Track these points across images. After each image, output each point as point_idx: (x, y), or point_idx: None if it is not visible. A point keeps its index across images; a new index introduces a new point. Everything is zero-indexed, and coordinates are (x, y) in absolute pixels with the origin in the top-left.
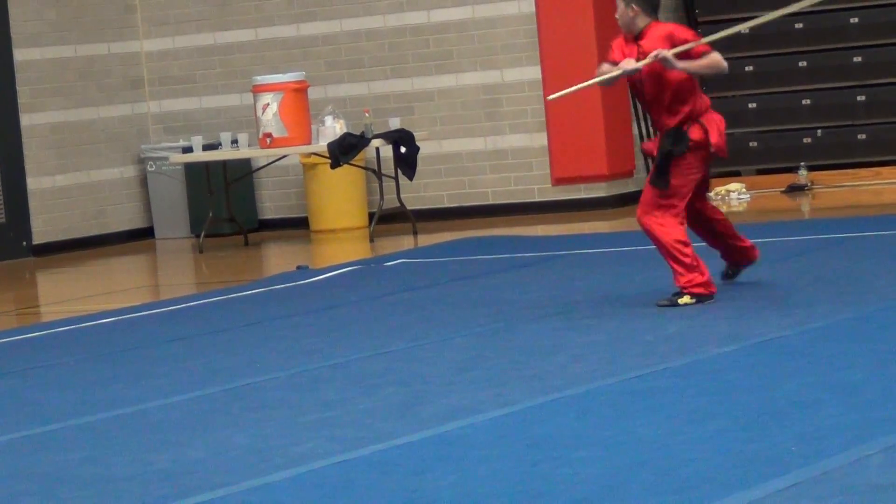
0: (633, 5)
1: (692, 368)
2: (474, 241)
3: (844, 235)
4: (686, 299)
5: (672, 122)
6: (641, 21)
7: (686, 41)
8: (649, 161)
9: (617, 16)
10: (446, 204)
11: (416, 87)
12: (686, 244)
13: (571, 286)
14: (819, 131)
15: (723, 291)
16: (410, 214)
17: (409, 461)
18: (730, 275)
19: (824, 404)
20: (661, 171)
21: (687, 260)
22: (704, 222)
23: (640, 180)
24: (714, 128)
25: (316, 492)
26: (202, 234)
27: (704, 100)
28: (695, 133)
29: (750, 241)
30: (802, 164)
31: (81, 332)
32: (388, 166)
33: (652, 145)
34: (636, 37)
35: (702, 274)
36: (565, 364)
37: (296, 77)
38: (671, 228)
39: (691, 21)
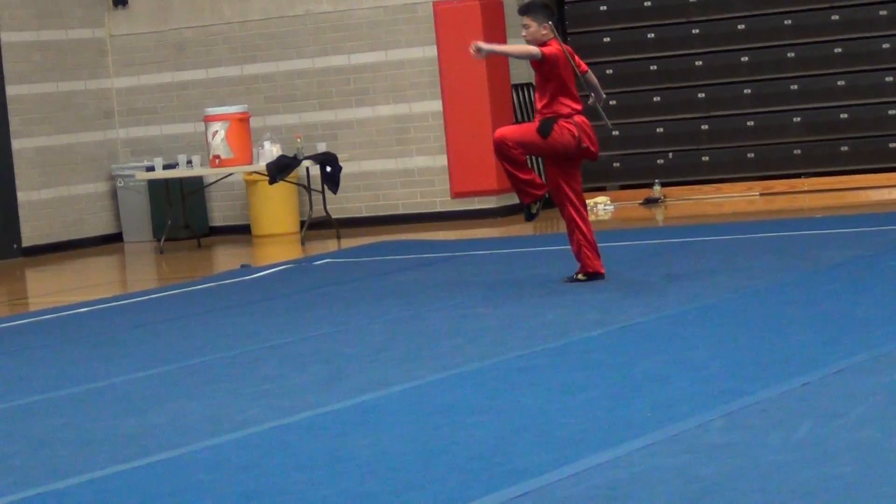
0: (547, 23)
1: (566, 349)
2: (387, 245)
3: (691, 239)
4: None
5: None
6: (546, 37)
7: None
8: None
9: (528, 34)
10: (364, 214)
11: (339, 117)
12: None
13: (467, 281)
14: (670, 154)
15: (591, 286)
16: (334, 222)
17: (333, 425)
18: (572, 279)
19: (674, 378)
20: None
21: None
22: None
23: None
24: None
25: (257, 451)
26: (162, 239)
27: (570, 107)
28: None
29: (599, 263)
30: (657, 180)
31: (62, 319)
32: (316, 182)
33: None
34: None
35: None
36: (462, 345)
37: (239, 109)
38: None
39: (562, 32)
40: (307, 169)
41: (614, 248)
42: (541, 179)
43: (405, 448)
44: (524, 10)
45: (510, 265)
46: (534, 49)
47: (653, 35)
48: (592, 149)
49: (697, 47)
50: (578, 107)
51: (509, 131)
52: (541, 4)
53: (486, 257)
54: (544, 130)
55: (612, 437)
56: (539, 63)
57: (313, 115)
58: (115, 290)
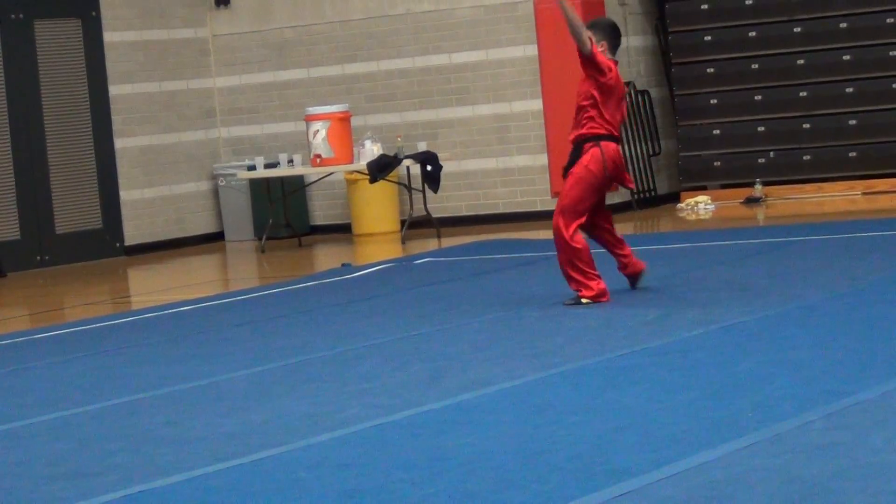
0: (603, 42)
1: (667, 348)
2: (488, 243)
3: (792, 239)
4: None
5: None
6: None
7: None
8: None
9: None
10: (464, 213)
11: (439, 116)
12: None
13: None
14: (771, 153)
15: (691, 284)
16: (435, 221)
17: (433, 424)
18: (632, 285)
19: (776, 378)
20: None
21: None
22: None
23: (624, 193)
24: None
25: (357, 449)
26: (264, 237)
27: (604, 128)
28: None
29: (628, 251)
30: (758, 180)
31: (164, 317)
32: (417, 181)
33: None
34: None
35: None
36: (562, 345)
37: (341, 108)
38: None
39: (663, 31)
40: (408, 168)
41: (715, 248)
42: (601, 285)
43: (505, 447)
44: (590, 25)
45: (610, 264)
46: (586, 39)
47: (754, 33)
48: (620, 175)
49: (799, 45)
50: (614, 132)
51: (559, 209)
52: (605, 24)
53: None
54: (575, 155)
55: (713, 437)
56: (583, 60)
57: (414, 114)
58: (216, 288)
